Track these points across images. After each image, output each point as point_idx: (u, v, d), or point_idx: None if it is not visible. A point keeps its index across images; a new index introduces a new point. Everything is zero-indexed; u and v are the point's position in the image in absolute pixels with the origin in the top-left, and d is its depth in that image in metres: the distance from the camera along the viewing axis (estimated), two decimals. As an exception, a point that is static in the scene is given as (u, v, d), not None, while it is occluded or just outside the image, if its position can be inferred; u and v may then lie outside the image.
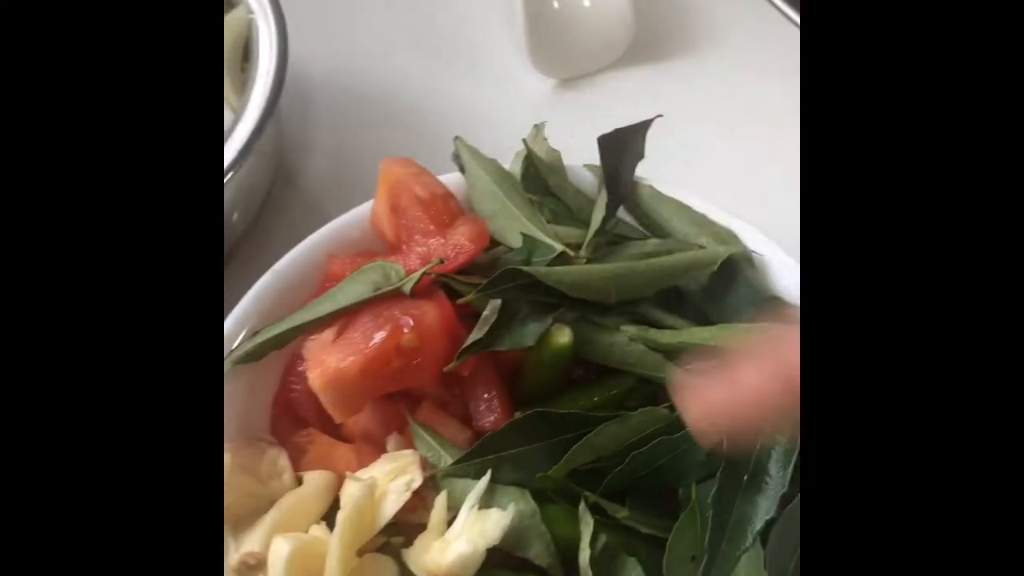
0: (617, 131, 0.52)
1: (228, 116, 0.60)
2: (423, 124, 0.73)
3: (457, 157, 0.54)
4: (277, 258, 0.51)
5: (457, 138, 0.54)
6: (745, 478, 0.43)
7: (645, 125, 0.52)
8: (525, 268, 0.45)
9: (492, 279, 0.45)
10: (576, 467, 0.43)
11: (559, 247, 0.47)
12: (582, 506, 0.42)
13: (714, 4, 0.81)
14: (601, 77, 0.76)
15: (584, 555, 0.41)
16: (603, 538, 0.41)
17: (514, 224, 0.49)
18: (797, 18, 0.78)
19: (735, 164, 0.70)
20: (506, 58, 0.77)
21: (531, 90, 0.75)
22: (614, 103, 0.74)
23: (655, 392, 0.47)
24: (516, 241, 0.49)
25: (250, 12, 0.61)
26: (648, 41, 0.77)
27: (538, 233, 0.48)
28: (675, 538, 0.42)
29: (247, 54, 0.62)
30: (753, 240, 0.50)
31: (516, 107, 0.74)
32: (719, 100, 0.74)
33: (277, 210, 0.66)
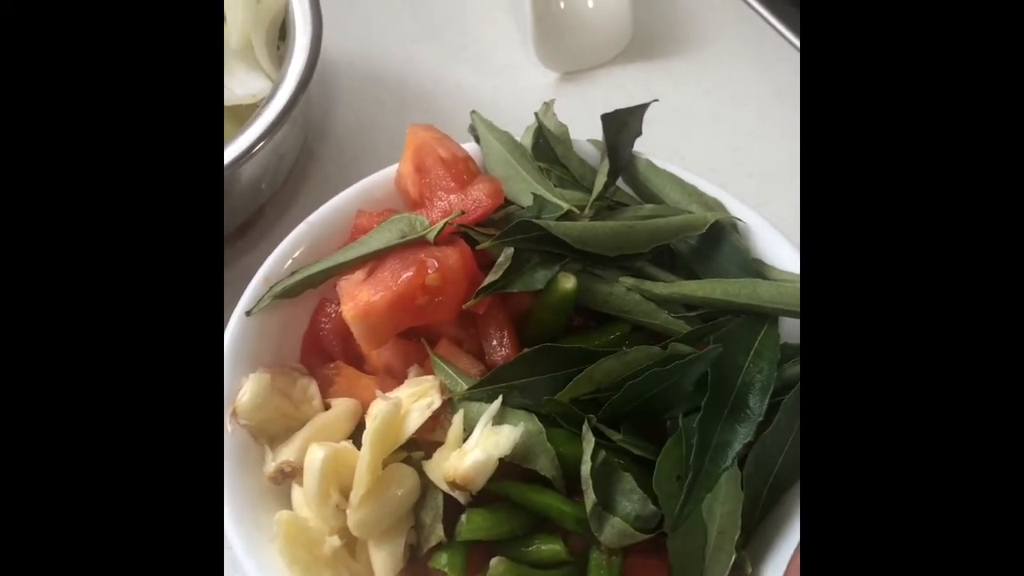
0: (618, 111, 0.58)
1: (267, 85, 0.65)
2: (434, 108, 0.79)
3: (473, 129, 0.60)
4: (301, 219, 0.56)
5: (473, 112, 0.60)
6: (727, 409, 0.49)
7: (643, 107, 0.58)
8: (537, 221, 0.51)
9: (507, 229, 0.51)
10: (578, 396, 0.49)
11: (566, 206, 0.53)
12: (585, 426, 0.47)
13: (704, 10, 0.88)
14: (600, 72, 0.83)
15: (586, 467, 0.46)
16: (603, 454, 0.47)
17: (525, 186, 0.55)
18: (778, 24, 0.86)
19: (720, 149, 0.77)
20: (513, 51, 0.84)
21: (535, 81, 0.82)
22: (611, 96, 0.81)
23: (648, 338, 0.53)
24: (527, 201, 0.54)
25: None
26: (644, 41, 0.85)
27: (547, 194, 0.54)
28: (663, 459, 0.47)
29: (283, 33, 0.67)
30: (737, 209, 0.56)
31: (520, 96, 0.80)
32: (705, 94, 0.82)
33: (301, 178, 0.72)
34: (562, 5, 0.80)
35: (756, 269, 0.54)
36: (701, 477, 0.47)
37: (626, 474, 0.47)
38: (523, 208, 0.55)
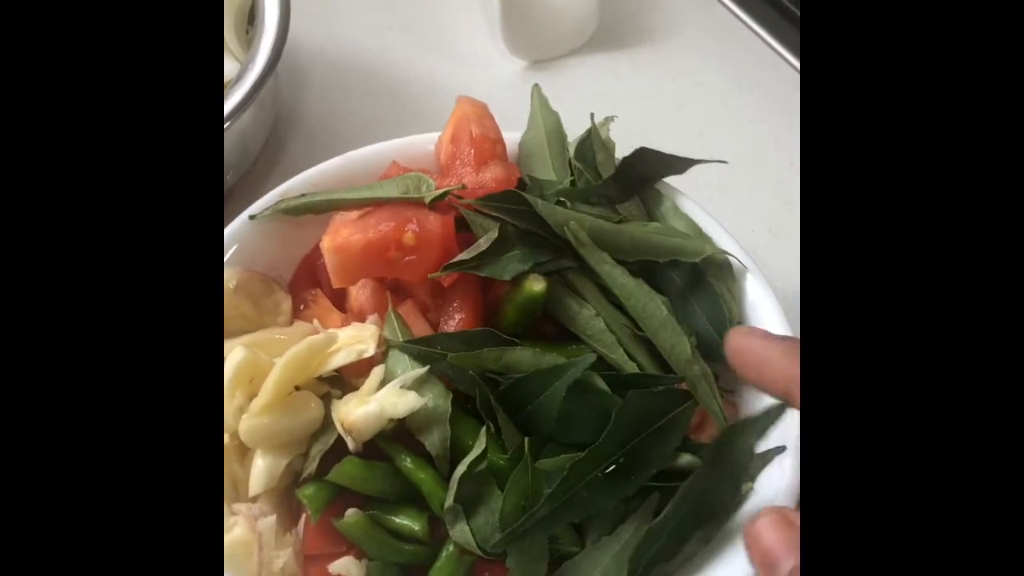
0: (672, 156, 0.55)
1: (235, 67, 0.67)
2: (404, 96, 0.82)
3: (532, 99, 0.60)
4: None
5: (536, 85, 0.60)
6: (606, 470, 0.45)
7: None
8: (526, 195, 0.50)
9: (494, 195, 0.51)
10: (482, 368, 0.48)
11: (565, 184, 0.53)
12: (483, 430, 0.47)
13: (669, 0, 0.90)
14: (567, 60, 0.85)
15: (463, 467, 0.46)
16: (485, 463, 0.46)
17: (542, 168, 0.55)
18: (741, 13, 0.88)
19: (683, 134, 0.79)
20: (482, 40, 0.86)
21: (503, 70, 0.84)
22: (578, 83, 0.83)
23: (604, 369, 0.51)
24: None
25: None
26: (611, 30, 0.86)
27: (553, 176, 0.54)
28: (513, 480, 0.45)
29: (252, 17, 0.71)
30: (739, 262, 0.53)
31: (490, 84, 0.83)
32: (670, 81, 0.83)
33: (270, 164, 0.76)
34: (529, -7, 0.81)
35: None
36: (548, 517, 0.44)
37: (497, 491, 0.46)
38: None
